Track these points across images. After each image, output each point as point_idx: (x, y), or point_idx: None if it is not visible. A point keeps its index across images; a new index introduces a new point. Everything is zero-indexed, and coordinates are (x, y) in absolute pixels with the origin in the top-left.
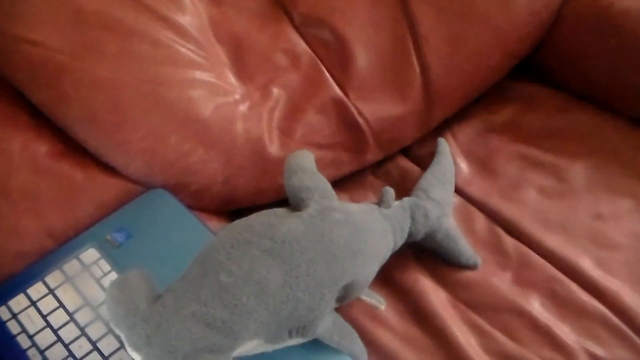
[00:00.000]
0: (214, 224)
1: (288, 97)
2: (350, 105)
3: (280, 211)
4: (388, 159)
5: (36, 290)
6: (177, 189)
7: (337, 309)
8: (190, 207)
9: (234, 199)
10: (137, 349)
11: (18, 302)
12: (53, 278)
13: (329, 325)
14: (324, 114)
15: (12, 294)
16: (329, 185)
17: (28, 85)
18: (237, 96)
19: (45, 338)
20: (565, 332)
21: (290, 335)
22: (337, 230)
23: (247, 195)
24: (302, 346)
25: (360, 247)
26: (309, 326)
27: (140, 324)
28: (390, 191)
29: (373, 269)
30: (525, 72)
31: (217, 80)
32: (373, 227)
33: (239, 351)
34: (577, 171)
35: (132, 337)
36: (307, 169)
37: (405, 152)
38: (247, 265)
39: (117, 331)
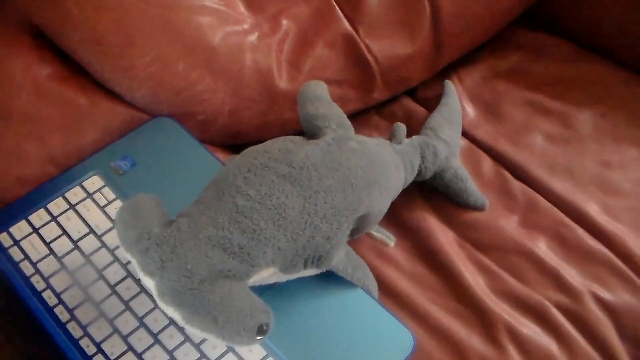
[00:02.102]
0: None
1: (298, 29)
2: (359, 41)
3: (296, 138)
4: (394, 99)
5: (38, 217)
6: (183, 118)
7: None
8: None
9: (239, 132)
10: (150, 274)
11: (19, 228)
12: (55, 205)
13: (342, 257)
14: (333, 48)
15: (13, 220)
16: (344, 116)
17: (30, 5)
18: (246, 26)
19: (49, 265)
20: (571, 274)
21: (305, 265)
22: (355, 159)
23: (252, 129)
24: (315, 278)
25: (376, 178)
26: (324, 256)
27: (153, 248)
28: (402, 127)
29: (387, 202)
30: (532, 20)
31: (227, 9)
32: (387, 160)
33: (254, 279)
34: (584, 119)
35: (145, 262)
36: (322, 98)
37: (411, 93)
38: (265, 190)
39: (129, 256)
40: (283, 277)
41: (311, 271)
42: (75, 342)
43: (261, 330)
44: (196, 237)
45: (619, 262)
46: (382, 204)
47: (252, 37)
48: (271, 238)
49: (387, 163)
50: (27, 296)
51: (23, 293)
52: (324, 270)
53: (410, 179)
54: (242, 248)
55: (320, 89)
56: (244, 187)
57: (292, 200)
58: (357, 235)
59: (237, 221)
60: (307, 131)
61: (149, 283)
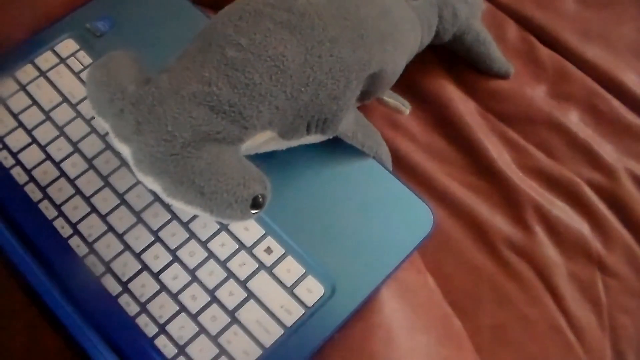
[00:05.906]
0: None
1: None
2: None
3: None
4: None
5: (4, 87)
6: None
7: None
8: None
9: None
10: (125, 139)
11: None
12: (24, 73)
13: (351, 122)
14: None
15: None
16: None
17: None
18: None
19: (18, 140)
20: (606, 150)
21: (308, 130)
22: (365, 9)
23: None
24: (321, 146)
25: (389, 31)
26: (330, 119)
27: (128, 109)
28: None
29: (401, 61)
30: None
31: None
32: (402, 14)
33: (248, 144)
34: None
35: (119, 126)
36: None
37: None
38: (260, 39)
39: (102, 122)
40: (283, 144)
41: (315, 137)
42: (48, 223)
43: (256, 203)
44: (178, 94)
45: None
46: (396, 62)
47: None
48: (267, 95)
49: (402, 17)
50: None
51: None
52: (331, 137)
53: (427, 40)
54: (232, 106)
55: None
56: (234, 35)
57: (291, 51)
58: (368, 98)
59: (226, 75)
60: None
61: (124, 150)
